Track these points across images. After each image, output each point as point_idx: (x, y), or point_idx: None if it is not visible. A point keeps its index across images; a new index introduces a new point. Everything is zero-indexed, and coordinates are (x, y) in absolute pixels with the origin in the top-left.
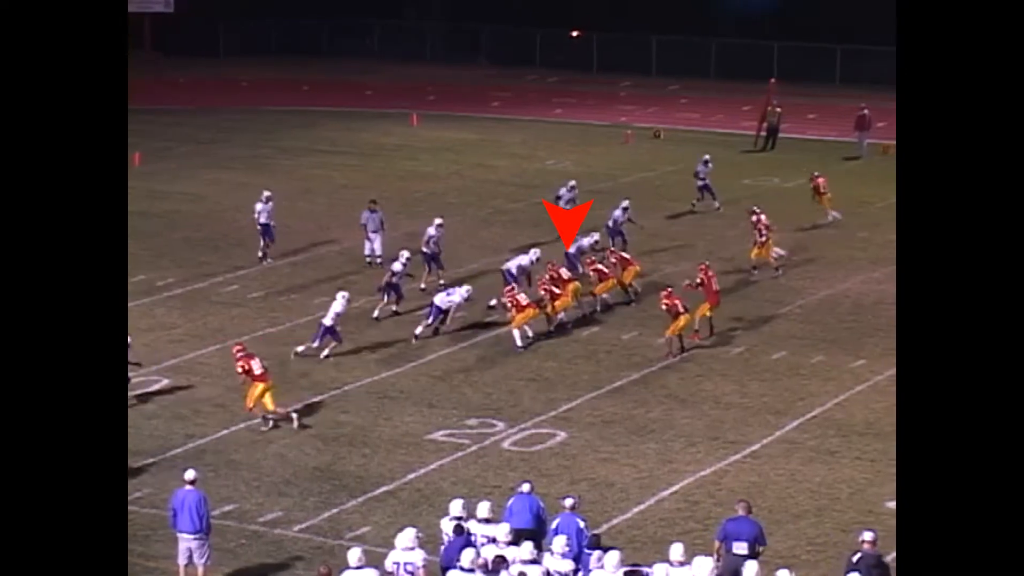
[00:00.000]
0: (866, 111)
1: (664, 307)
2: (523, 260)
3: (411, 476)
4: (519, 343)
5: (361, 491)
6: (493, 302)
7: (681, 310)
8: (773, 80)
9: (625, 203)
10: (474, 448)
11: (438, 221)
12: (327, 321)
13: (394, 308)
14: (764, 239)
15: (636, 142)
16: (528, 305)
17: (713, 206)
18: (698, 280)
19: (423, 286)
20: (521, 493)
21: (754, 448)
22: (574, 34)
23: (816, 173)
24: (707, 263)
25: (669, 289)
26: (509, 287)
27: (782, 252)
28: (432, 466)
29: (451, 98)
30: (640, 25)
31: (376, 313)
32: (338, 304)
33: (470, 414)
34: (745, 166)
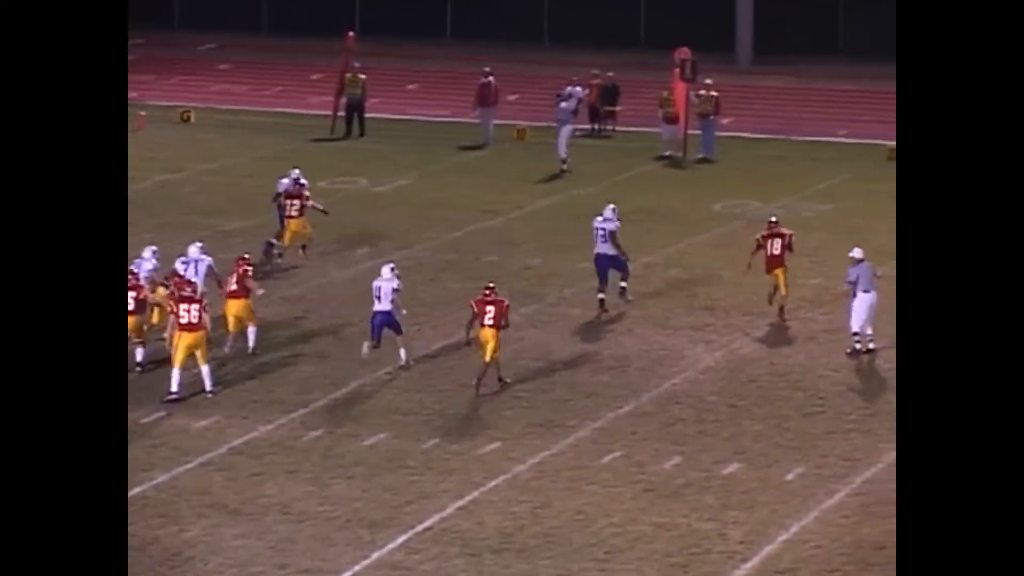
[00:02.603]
0: (491, 79)
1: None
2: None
3: None
4: None
5: None
6: None
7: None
8: (352, 34)
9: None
10: None
11: None
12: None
13: None
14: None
15: (152, 128)
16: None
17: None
18: None
19: None
20: None
21: None
22: None
23: None
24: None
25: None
26: None
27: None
28: None
29: None
30: None
31: None
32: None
33: None
34: (318, 160)
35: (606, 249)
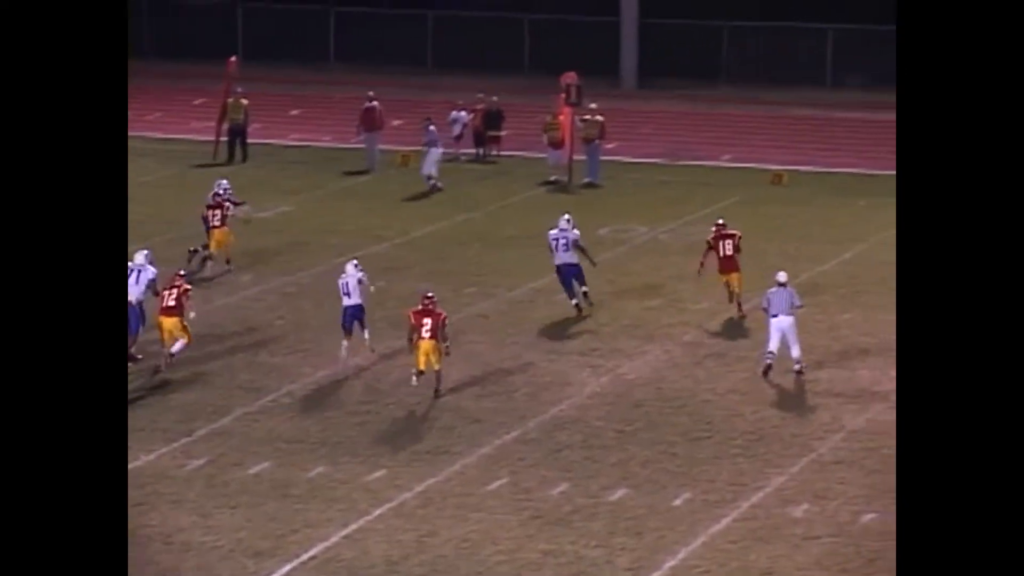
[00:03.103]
0: (376, 103)
1: None
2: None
3: None
4: None
5: None
6: None
7: None
8: (233, 59)
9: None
10: None
11: None
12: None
13: None
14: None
15: None
16: None
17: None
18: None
19: None
20: None
21: None
22: None
23: None
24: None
25: None
26: None
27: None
28: None
29: None
30: None
31: None
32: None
33: None
34: (201, 186)
35: (569, 258)
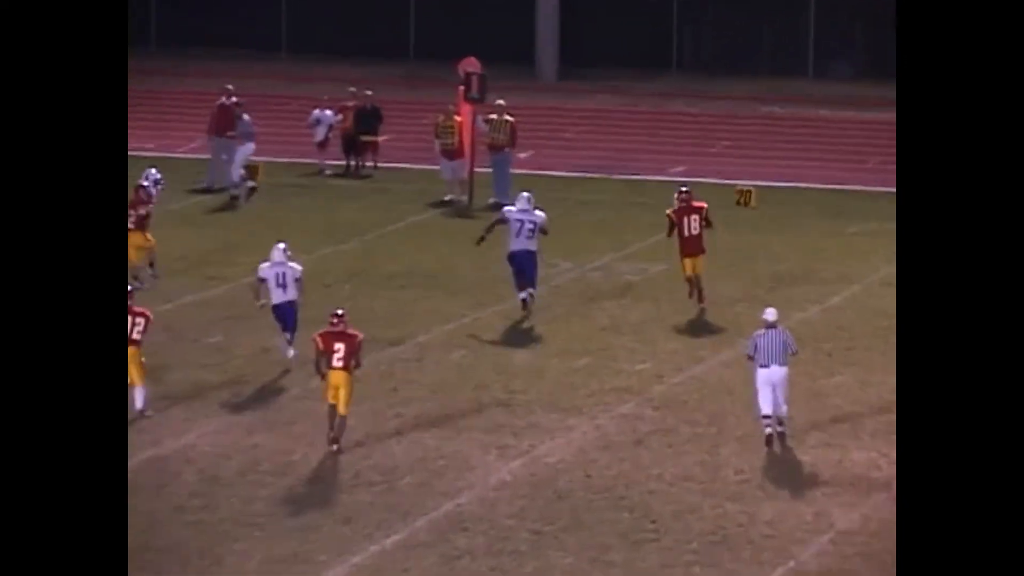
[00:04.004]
0: (234, 100)
1: None
2: None
3: None
4: None
5: None
6: None
7: None
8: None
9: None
10: None
11: None
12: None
13: None
14: None
15: None
16: None
17: None
18: None
19: None
20: None
21: None
22: None
23: None
24: None
25: None
26: None
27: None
28: None
29: None
30: None
31: None
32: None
33: None
34: None
35: (528, 245)
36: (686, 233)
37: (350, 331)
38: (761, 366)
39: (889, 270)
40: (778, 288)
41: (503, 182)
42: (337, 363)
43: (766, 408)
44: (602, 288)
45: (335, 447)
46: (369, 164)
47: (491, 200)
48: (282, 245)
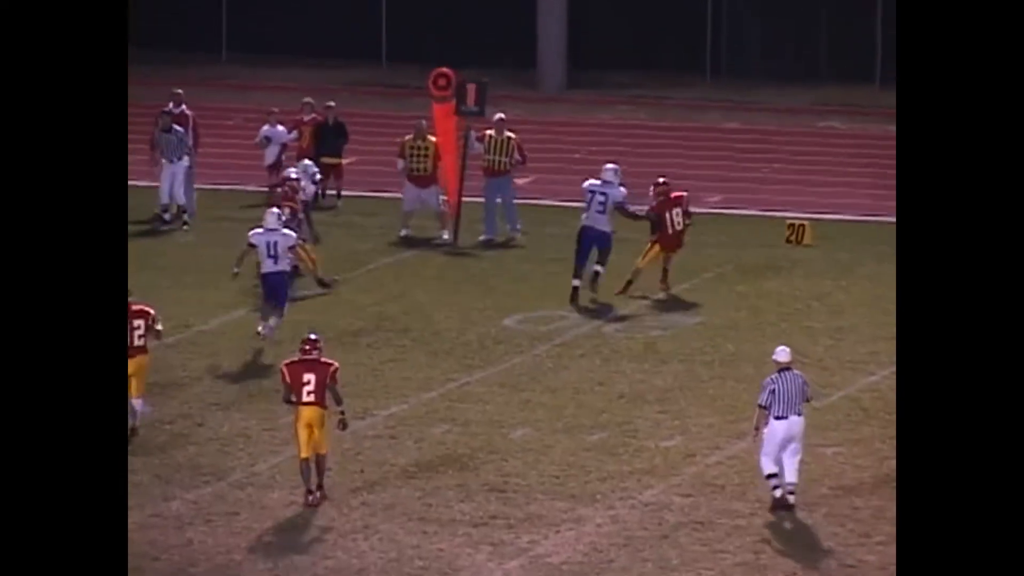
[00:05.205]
0: (181, 109)
1: None
2: None
3: None
4: None
5: None
6: None
7: None
8: None
9: None
10: None
11: None
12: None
13: None
14: None
15: None
16: None
17: None
18: None
19: None
20: None
21: None
22: None
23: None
24: None
25: None
26: None
27: None
28: None
29: None
30: None
31: None
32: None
33: None
34: None
35: (601, 223)
36: (670, 230)
37: (324, 360)
38: (777, 418)
39: None
40: (839, 346)
41: (511, 210)
42: (308, 397)
43: (770, 466)
44: (621, 346)
45: (312, 497)
46: (332, 192)
47: (483, 237)
48: (276, 210)
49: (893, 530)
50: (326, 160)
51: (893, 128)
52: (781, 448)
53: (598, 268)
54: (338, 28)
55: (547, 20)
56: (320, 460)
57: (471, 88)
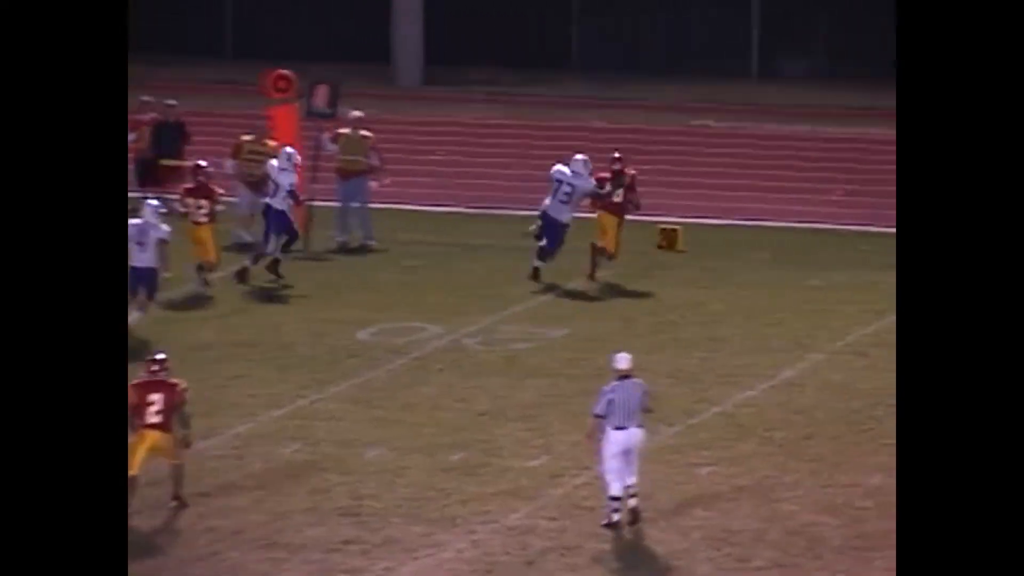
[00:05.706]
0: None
1: None
2: None
3: None
4: None
5: None
6: None
7: None
8: None
9: None
10: None
11: None
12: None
13: None
14: None
15: None
16: None
17: None
18: None
19: None
20: None
21: None
22: None
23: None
24: None
25: None
26: None
27: None
28: None
29: None
30: None
31: None
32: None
33: None
34: None
35: (561, 213)
36: (615, 198)
37: (170, 380)
38: (616, 428)
39: (860, 334)
40: (713, 358)
41: (365, 216)
42: (154, 418)
43: (616, 488)
44: (482, 360)
45: (176, 501)
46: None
47: (338, 239)
48: (155, 202)
49: (773, 554)
50: (165, 162)
51: (772, 127)
52: (618, 462)
53: (538, 265)
54: (180, 20)
55: (402, 8)
56: (176, 470)
57: (321, 88)
